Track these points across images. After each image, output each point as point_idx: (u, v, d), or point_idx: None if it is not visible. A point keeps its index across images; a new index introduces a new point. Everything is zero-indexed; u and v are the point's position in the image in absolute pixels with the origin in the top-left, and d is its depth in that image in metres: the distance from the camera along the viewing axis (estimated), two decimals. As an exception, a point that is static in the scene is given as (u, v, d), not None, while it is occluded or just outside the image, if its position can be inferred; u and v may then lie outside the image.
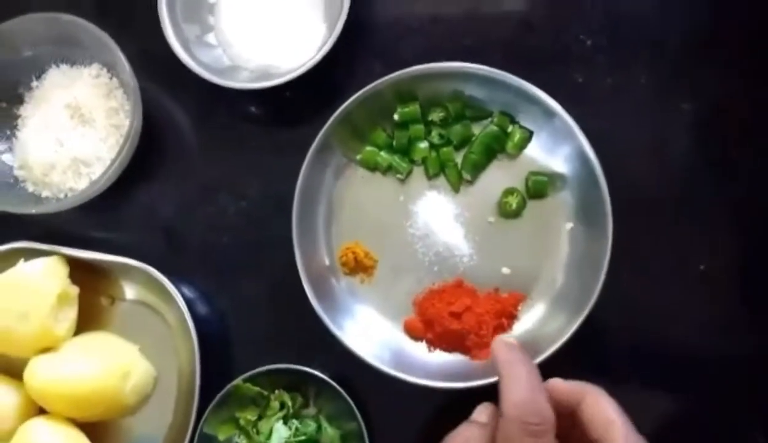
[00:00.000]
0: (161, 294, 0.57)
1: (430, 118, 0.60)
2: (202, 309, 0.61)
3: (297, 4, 0.62)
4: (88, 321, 0.59)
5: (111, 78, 0.61)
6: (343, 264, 0.59)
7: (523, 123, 0.59)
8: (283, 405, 0.56)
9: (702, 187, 0.60)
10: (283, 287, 0.60)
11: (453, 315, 0.56)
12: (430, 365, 0.56)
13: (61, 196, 0.59)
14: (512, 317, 0.57)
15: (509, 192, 0.59)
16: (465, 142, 0.60)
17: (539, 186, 0.59)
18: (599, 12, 0.63)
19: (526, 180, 0.59)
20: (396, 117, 0.59)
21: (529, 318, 0.57)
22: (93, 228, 0.63)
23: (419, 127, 0.60)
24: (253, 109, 0.65)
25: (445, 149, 0.60)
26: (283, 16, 0.62)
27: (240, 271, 0.61)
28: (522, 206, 0.59)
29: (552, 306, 0.57)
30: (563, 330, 0.54)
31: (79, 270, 0.57)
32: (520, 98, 0.57)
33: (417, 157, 0.60)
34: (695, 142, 0.61)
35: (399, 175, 0.60)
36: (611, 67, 0.62)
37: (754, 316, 0.58)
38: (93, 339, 0.58)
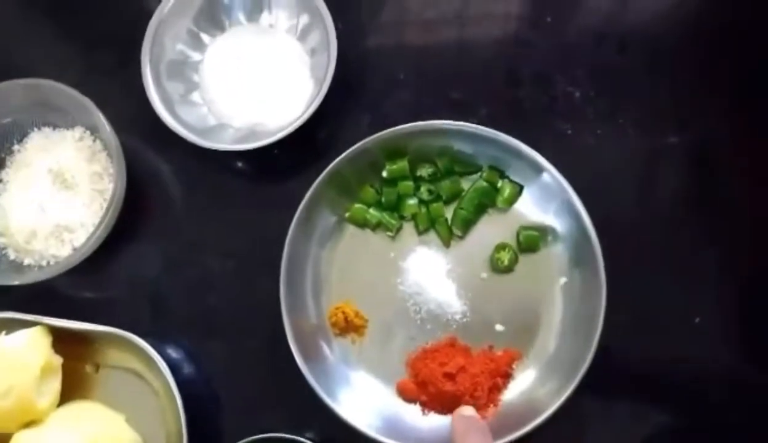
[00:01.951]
0: (146, 360, 0.56)
1: (418, 174, 0.59)
2: (188, 371, 0.59)
3: (283, 62, 0.61)
4: (72, 389, 0.57)
5: (94, 141, 0.60)
6: (333, 325, 0.58)
7: (512, 177, 0.59)
8: (274, 475, 0.54)
9: (693, 236, 0.60)
10: (273, 348, 0.59)
11: (447, 376, 0.55)
12: (423, 430, 0.55)
13: (44, 263, 0.58)
14: (507, 376, 0.56)
15: (501, 247, 0.58)
16: (455, 197, 0.59)
17: (531, 240, 0.58)
18: (586, 65, 0.63)
19: (518, 234, 0.58)
20: (384, 174, 0.59)
21: (525, 379, 0.56)
22: (77, 291, 0.62)
23: (408, 183, 0.59)
24: (240, 165, 0.64)
25: (434, 205, 0.59)
26: (269, 75, 0.61)
27: (228, 332, 0.60)
28: (514, 261, 0.58)
29: (547, 366, 0.56)
30: (559, 392, 0.53)
31: (62, 338, 0.56)
32: (508, 153, 0.57)
33: (407, 213, 0.59)
34: (685, 190, 0.61)
35: (389, 232, 0.59)
36: (599, 118, 0.62)
37: (752, 365, 0.58)
38: (78, 410, 0.56)
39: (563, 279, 0.57)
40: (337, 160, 0.56)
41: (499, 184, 0.59)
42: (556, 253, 0.58)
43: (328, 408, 0.54)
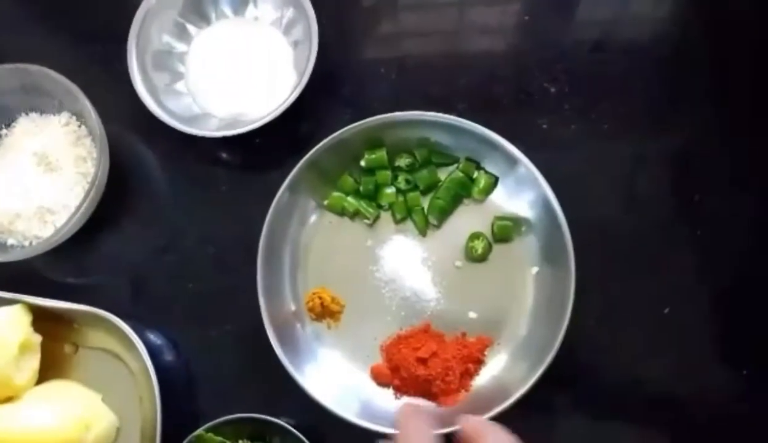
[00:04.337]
0: (125, 342, 0.56)
1: (396, 164, 0.61)
2: (167, 356, 0.60)
3: (266, 54, 0.63)
4: (51, 369, 0.58)
5: (80, 126, 0.62)
6: (310, 310, 0.59)
7: (488, 169, 0.60)
8: (246, 455, 0.55)
9: (664, 229, 0.61)
10: (251, 334, 0.60)
11: (420, 360, 0.56)
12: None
13: (26, 243, 0.59)
14: (479, 362, 0.57)
15: (475, 236, 0.59)
16: (431, 187, 0.61)
17: (504, 230, 0.59)
18: (562, 61, 0.65)
19: (492, 224, 0.60)
20: (363, 163, 0.60)
21: (496, 364, 0.57)
22: (59, 274, 0.63)
23: (386, 173, 0.60)
24: (222, 155, 0.65)
25: (411, 194, 0.60)
26: (253, 66, 0.63)
27: (207, 318, 0.61)
28: (488, 250, 0.59)
29: (518, 351, 0.57)
30: (528, 376, 0.53)
31: (42, 318, 0.57)
32: (484, 145, 0.58)
33: (384, 202, 0.61)
34: (657, 185, 0.62)
35: (366, 220, 0.60)
36: (574, 113, 0.63)
37: (719, 356, 0.59)
38: (55, 388, 0.57)
39: (535, 269, 0.58)
40: (317, 147, 0.58)
41: (475, 175, 0.60)
42: (529, 243, 0.59)
43: (302, 391, 0.54)
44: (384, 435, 0.52)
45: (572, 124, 0.63)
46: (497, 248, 0.59)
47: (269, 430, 0.55)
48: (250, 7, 0.65)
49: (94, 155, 0.60)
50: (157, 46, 0.62)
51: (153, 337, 0.60)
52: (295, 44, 0.63)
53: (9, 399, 0.54)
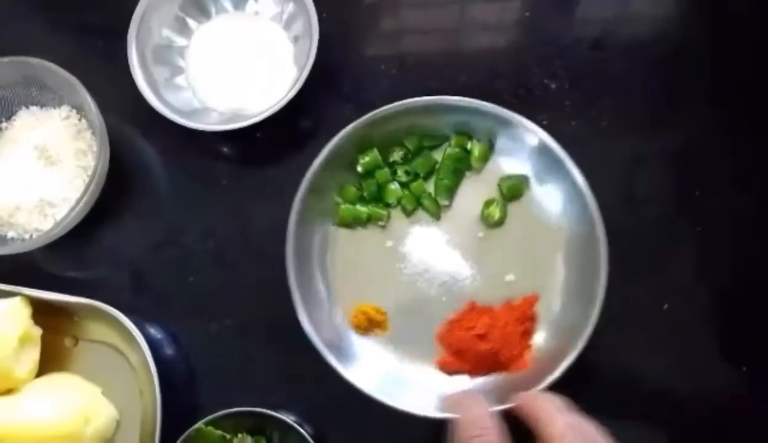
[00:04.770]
0: (125, 335, 0.57)
1: (392, 160, 0.61)
2: (168, 350, 0.60)
3: (266, 48, 0.63)
4: (51, 362, 0.58)
5: (80, 119, 0.62)
6: (357, 327, 0.58)
7: (479, 137, 0.60)
8: (245, 449, 0.55)
9: (664, 227, 0.61)
10: (251, 328, 0.60)
11: (479, 338, 0.56)
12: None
13: (26, 236, 0.59)
14: (533, 319, 0.57)
15: (488, 203, 0.60)
16: (431, 170, 0.61)
17: (513, 189, 0.60)
18: (563, 58, 0.65)
19: (499, 187, 0.60)
20: (359, 168, 0.60)
21: (549, 314, 0.57)
22: (59, 267, 0.63)
23: (384, 171, 0.60)
24: (223, 149, 0.65)
25: (414, 184, 0.60)
26: (253, 60, 0.63)
27: (207, 312, 0.61)
28: (504, 213, 0.59)
29: (565, 295, 0.57)
30: (584, 315, 0.54)
31: (42, 311, 0.57)
32: (469, 115, 0.59)
33: (391, 200, 0.60)
34: (657, 183, 0.62)
35: (380, 223, 0.60)
36: (575, 110, 0.63)
37: (718, 354, 0.59)
38: (55, 381, 0.57)
39: (554, 211, 0.59)
40: (311, 170, 0.57)
41: (469, 146, 0.60)
42: (541, 191, 0.59)
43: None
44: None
45: (572, 120, 0.63)
46: (511, 207, 0.60)
47: (269, 425, 0.55)
48: (251, 1, 0.65)
49: (95, 148, 0.60)
50: (157, 40, 0.62)
51: (153, 331, 0.60)
52: (296, 39, 0.63)
53: (9, 392, 0.55)
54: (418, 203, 0.60)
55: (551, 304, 0.58)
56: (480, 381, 0.57)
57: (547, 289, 0.58)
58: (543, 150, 0.57)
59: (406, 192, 0.61)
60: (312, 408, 0.58)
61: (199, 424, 0.54)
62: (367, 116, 0.58)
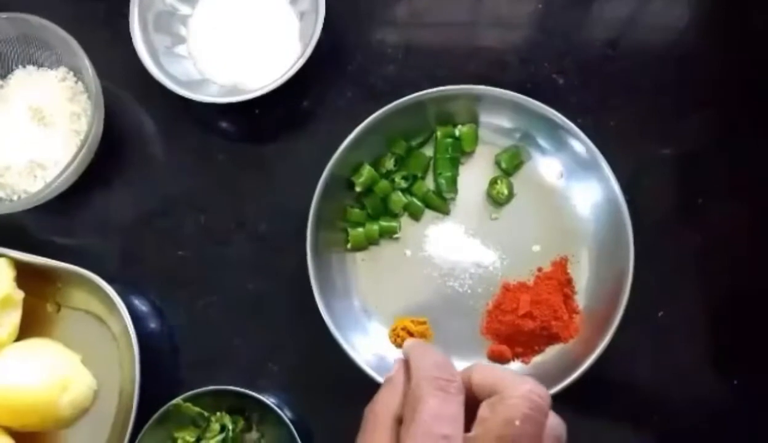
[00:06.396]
0: (108, 304, 0.56)
1: (385, 170, 0.59)
2: (151, 323, 0.59)
3: (271, 22, 0.62)
4: (32, 327, 0.57)
5: (77, 82, 0.60)
6: (400, 346, 0.56)
7: (463, 120, 0.59)
8: (223, 428, 0.54)
9: (665, 232, 0.60)
10: (237, 306, 0.59)
11: (525, 316, 0.55)
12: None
13: (15, 197, 0.58)
14: (569, 283, 0.57)
15: (493, 182, 0.59)
16: (427, 167, 0.60)
17: (512, 159, 0.59)
18: (572, 54, 0.63)
19: (498, 163, 0.59)
20: (357, 188, 0.58)
21: (583, 273, 0.57)
22: (46, 232, 0.61)
23: (382, 183, 0.59)
24: (221, 124, 0.64)
25: (415, 186, 0.59)
26: (257, 34, 0.61)
27: (194, 287, 0.60)
28: (511, 187, 0.59)
29: (593, 251, 0.57)
30: (621, 269, 0.54)
31: (26, 275, 0.56)
32: (445, 102, 0.58)
33: (397, 209, 0.59)
34: (660, 187, 0.61)
35: (394, 235, 0.59)
36: (581, 107, 0.62)
37: (711, 365, 0.58)
38: (34, 346, 0.56)
39: (559, 171, 0.59)
40: (312, 212, 0.55)
41: (457, 132, 0.59)
42: (542, 155, 0.59)
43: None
44: None
45: (578, 117, 0.61)
46: (515, 180, 0.59)
47: (249, 405, 0.54)
48: (259, -27, 0.63)
49: (89, 112, 0.59)
50: (160, 7, 0.61)
51: (138, 302, 0.59)
52: (302, 15, 0.62)
53: (-14, 354, 0.54)
54: (425, 204, 0.59)
55: (581, 261, 0.57)
56: (537, 361, 0.56)
57: (574, 248, 0.57)
58: (524, 110, 0.57)
59: (410, 197, 0.59)
60: (296, 392, 0.57)
61: (178, 400, 0.53)
62: (348, 141, 0.56)
